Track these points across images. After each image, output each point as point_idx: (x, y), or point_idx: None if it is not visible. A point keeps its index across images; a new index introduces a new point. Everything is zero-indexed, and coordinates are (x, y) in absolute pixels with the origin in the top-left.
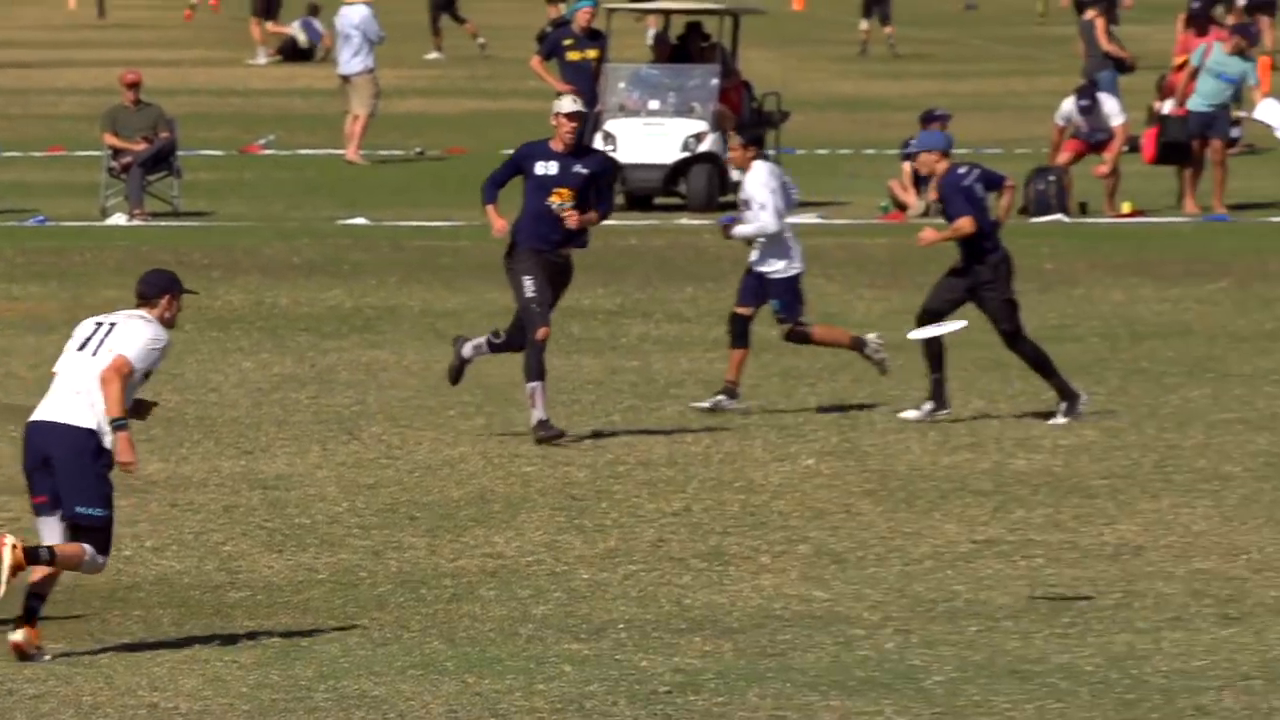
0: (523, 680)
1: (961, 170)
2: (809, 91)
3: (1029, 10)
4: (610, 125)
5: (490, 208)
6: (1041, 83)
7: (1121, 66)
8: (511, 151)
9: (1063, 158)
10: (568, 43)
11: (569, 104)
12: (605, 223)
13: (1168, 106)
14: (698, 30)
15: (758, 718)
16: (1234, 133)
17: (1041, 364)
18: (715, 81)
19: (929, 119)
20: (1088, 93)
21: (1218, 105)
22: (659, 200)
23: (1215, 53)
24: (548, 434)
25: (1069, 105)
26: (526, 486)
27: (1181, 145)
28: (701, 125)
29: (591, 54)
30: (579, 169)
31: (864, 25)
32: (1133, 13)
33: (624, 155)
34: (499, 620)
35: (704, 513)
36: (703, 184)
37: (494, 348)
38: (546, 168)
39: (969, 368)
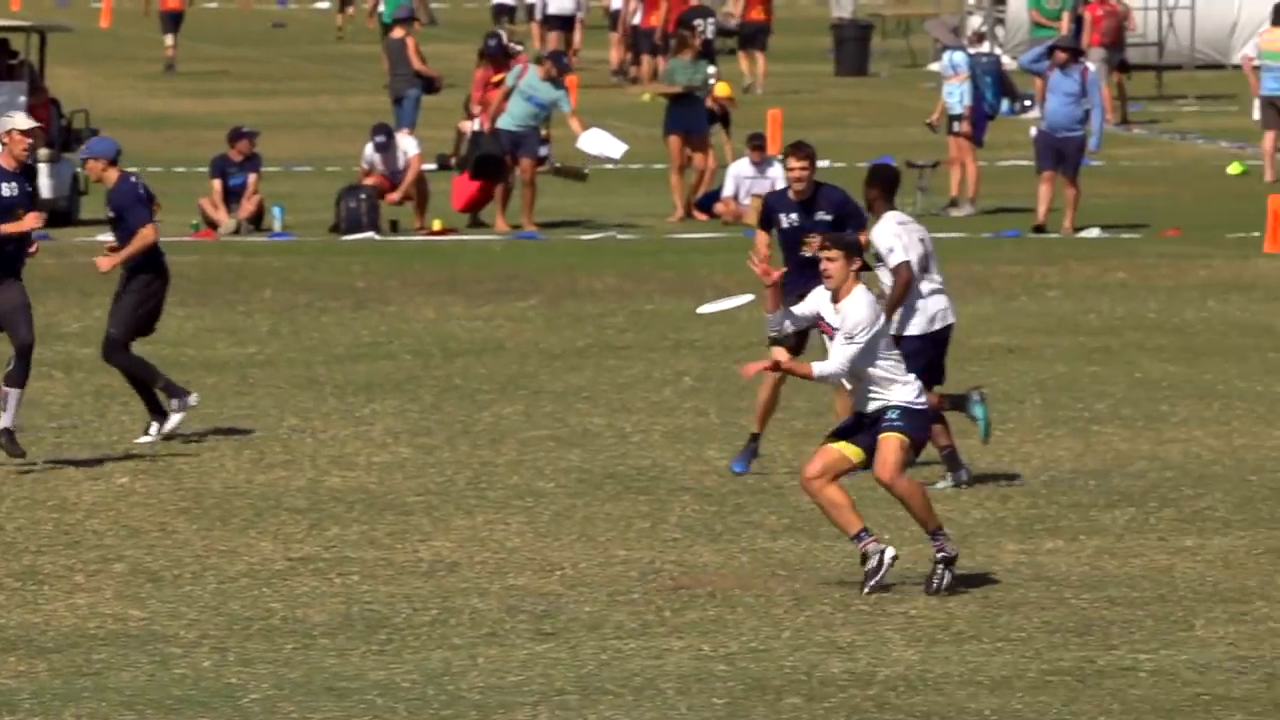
0: None
1: (134, 178)
2: (118, 109)
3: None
4: None
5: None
6: (351, 101)
7: (430, 86)
8: None
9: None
10: None
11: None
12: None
13: (475, 125)
14: (4, 47)
15: None
16: (543, 151)
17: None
18: (22, 99)
19: (236, 136)
20: (383, 131)
21: (528, 126)
22: None
23: (530, 75)
24: None
25: (369, 150)
26: None
27: (495, 159)
28: None
29: None
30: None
31: (169, 41)
32: (441, 30)
33: None
34: None
35: (17, 531)
36: None
37: None
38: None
39: (284, 385)
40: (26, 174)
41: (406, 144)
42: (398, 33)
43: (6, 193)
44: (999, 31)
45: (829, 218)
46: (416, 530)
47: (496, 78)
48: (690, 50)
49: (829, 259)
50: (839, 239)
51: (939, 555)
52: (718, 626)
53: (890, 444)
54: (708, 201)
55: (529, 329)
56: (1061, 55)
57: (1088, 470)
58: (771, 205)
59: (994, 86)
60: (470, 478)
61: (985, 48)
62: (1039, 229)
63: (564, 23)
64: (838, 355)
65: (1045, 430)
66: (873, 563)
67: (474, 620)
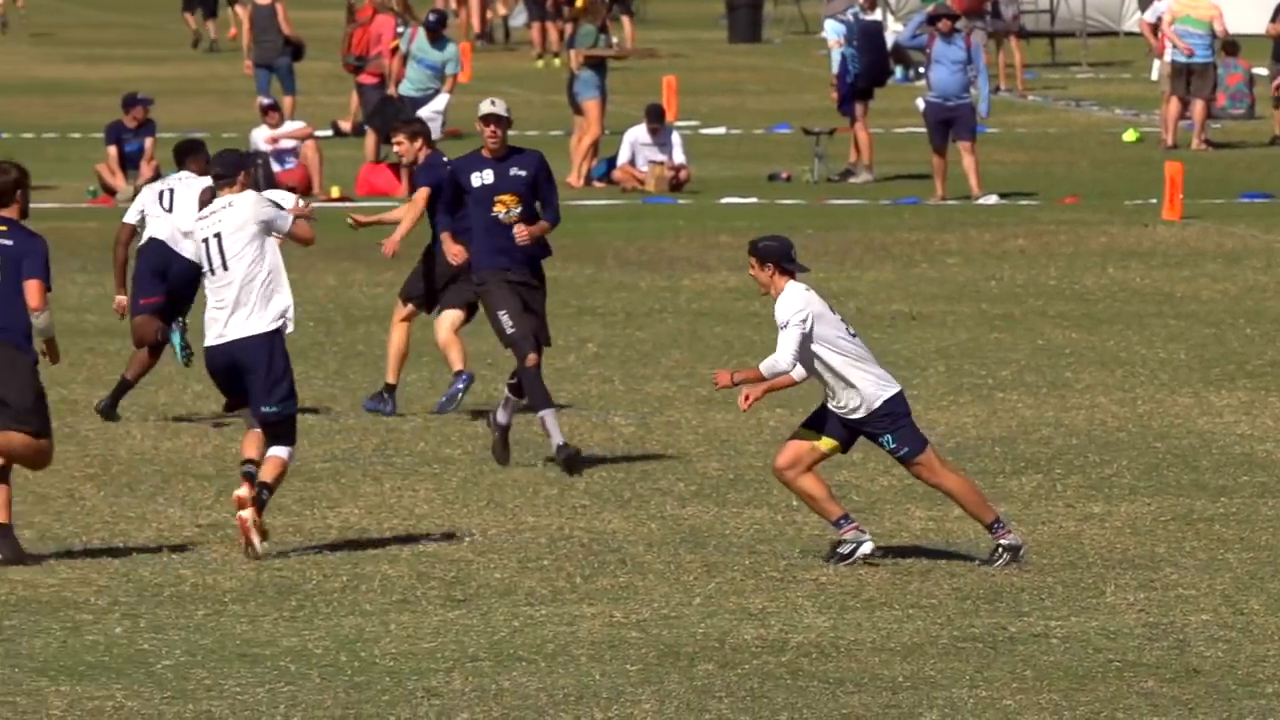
0: None
1: None
2: (7, 74)
3: None
4: None
5: (445, 235)
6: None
7: (298, 52)
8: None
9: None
10: None
11: (486, 106)
12: None
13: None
14: None
15: None
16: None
17: None
18: None
19: (131, 103)
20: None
21: (427, 90)
22: None
23: (419, 38)
24: (569, 455)
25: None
26: None
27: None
28: None
29: None
30: (516, 172)
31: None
32: None
33: None
34: None
35: None
36: None
37: (514, 390)
38: (483, 177)
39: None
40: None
41: (291, 125)
42: (264, 0)
43: (477, 183)
44: None
45: (523, 173)
46: (325, 497)
47: (392, 43)
48: (598, 16)
49: (751, 274)
50: (750, 249)
51: (1000, 544)
52: (629, 593)
53: (914, 470)
54: (603, 170)
55: None
56: (945, 24)
57: (993, 437)
58: (461, 167)
59: (860, 55)
60: (377, 444)
61: (876, 15)
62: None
63: None
64: (780, 346)
65: (949, 397)
66: (845, 549)
67: (385, 587)
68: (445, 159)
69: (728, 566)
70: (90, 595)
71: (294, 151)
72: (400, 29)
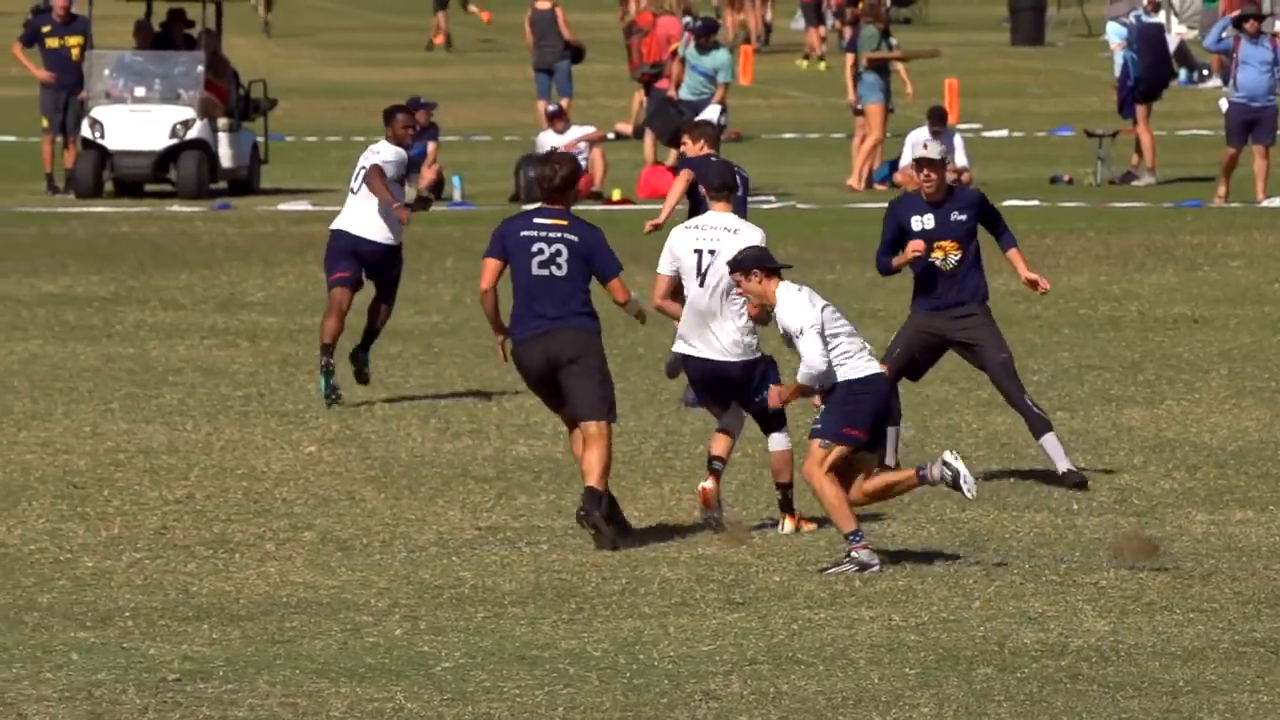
0: (30, 668)
1: None
2: (295, 79)
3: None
4: (97, 112)
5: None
6: (527, 70)
7: (578, 55)
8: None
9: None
10: (46, 29)
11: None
12: (99, 209)
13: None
14: (181, 16)
15: (268, 705)
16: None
17: None
18: (200, 69)
19: (414, 107)
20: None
21: (702, 96)
22: (149, 187)
23: (691, 45)
24: (1077, 480)
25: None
26: (26, 474)
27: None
28: (188, 112)
29: (72, 40)
30: (958, 216)
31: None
32: None
33: (112, 142)
34: (3, 609)
35: (207, 500)
36: (192, 170)
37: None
38: (923, 221)
39: (468, 354)
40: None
41: (577, 130)
42: (544, 4)
43: (917, 227)
44: (1173, 1)
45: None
46: None
47: (672, 45)
48: (880, 19)
49: (741, 292)
50: (731, 267)
51: (851, 554)
52: (908, 596)
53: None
54: (885, 172)
55: None
56: (1252, 25)
57: (1276, 440)
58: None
59: (1140, 58)
60: (657, 447)
61: (1160, 17)
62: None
63: None
64: (805, 354)
65: (1232, 400)
66: (848, 565)
67: (664, 589)
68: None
69: (1007, 570)
70: (370, 597)
71: (580, 155)
72: (687, 24)
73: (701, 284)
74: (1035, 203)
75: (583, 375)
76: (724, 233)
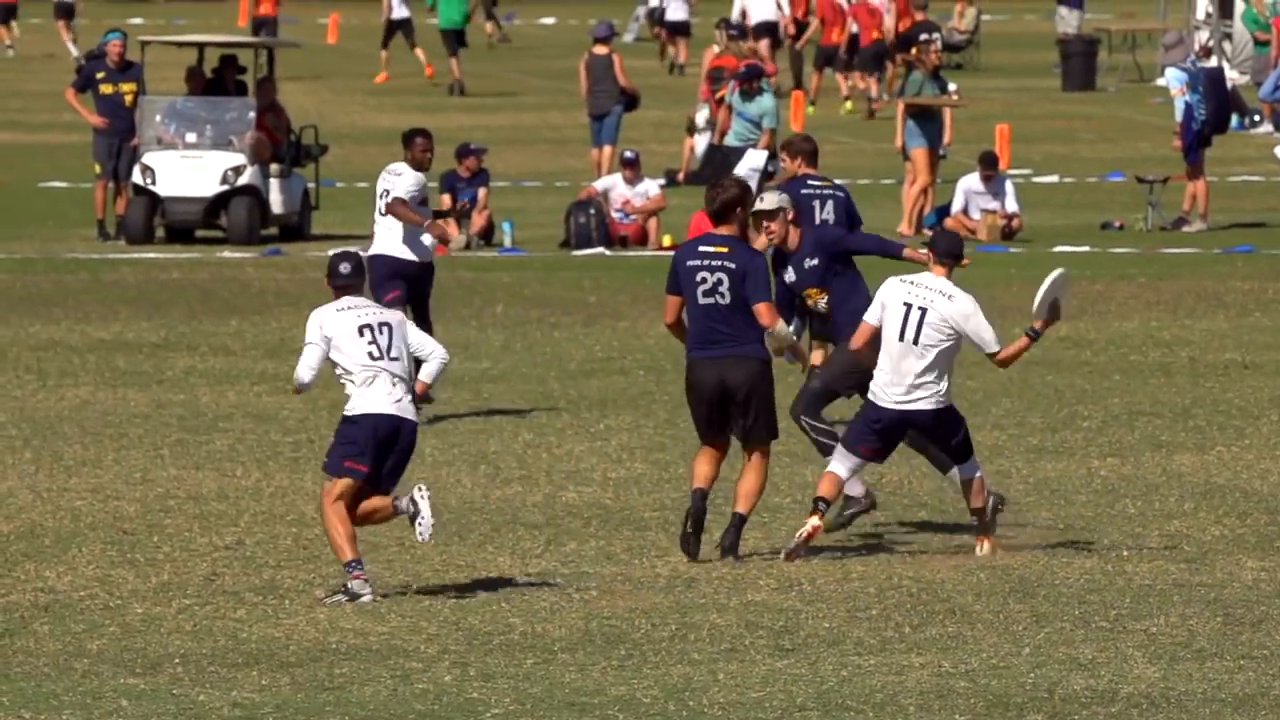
0: (80, 715)
1: None
2: (346, 124)
3: (563, 43)
4: (148, 158)
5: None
6: (579, 115)
7: (632, 103)
8: None
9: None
10: (100, 75)
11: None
12: (150, 255)
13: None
14: (232, 63)
15: None
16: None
17: None
18: (252, 114)
19: (464, 153)
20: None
21: (747, 142)
22: (200, 233)
23: (736, 92)
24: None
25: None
26: (76, 521)
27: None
28: (240, 158)
29: (125, 87)
30: (810, 263)
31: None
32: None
33: (163, 188)
34: (53, 655)
35: (256, 546)
36: (243, 216)
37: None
38: (787, 273)
39: (518, 400)
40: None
41: (648, 185)
42: (601, 49)
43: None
44: (1225, 46)
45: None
46: (653, 546)
47: (720, 93)
48: (926, 65)
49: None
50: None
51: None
52: (957, 643)
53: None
54: (937, 217)
55: None
56: None
57: None
58: None
59: (1202, 103)
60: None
61: (1212, 62)
62: None
63: (676, 28)
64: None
65: None
66: (340, 595)
67: (713, 636)
68: None
69: (1057, 616)
70: (420, 643)
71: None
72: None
73: (901, 338)
74: (1086, 249)
75: (753, 404)
76: (938, 295)
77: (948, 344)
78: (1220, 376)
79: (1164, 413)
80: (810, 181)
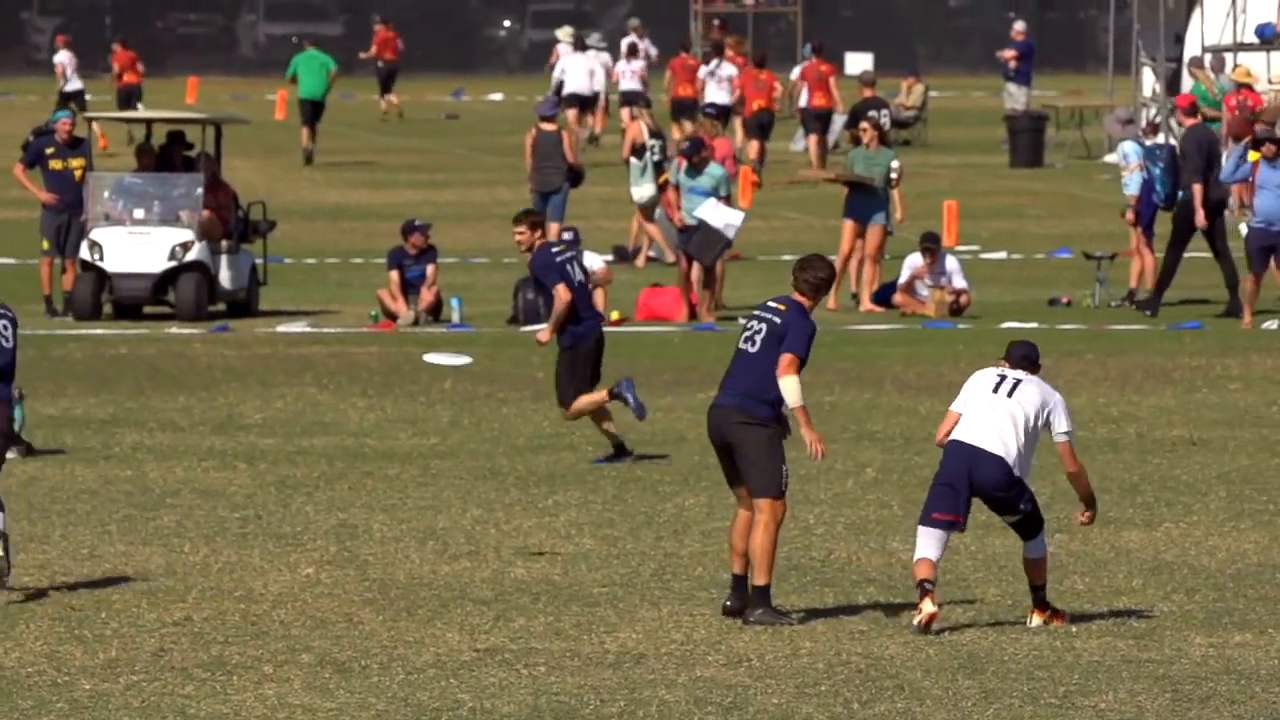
0: None
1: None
2: (294, 200)
3: (511, 119)
4: (96, 234)
5: None
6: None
7: (577, 179)
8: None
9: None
10: (49, 151)
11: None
12: (98, 331)
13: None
14: (180, 139)
15: None
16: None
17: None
18: (200, 190)
19: (409, 230)
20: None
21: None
22: (148, 309)
23: (683, 170)
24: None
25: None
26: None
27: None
28: (188, 234)
29: (75, 162)
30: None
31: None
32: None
33: (111, 264)
34: None
35: (205, 622)
36: (191, 293)
37: None
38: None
39: (466, 476)
40: None
41: (591, 259)
42: (549, 126)
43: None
44: (1172, 122)
45: None
46: (602, 622)
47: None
48: (871, 140)
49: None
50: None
51: None
52: (907, 719)
53: None
54: (884, 293)
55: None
56: (1269, 149)
57: (1274, 564)
58: None
59: (1164, 177)
60: (655, 569)
61: (1160, 138)
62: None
63: (584, 102)
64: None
65: (1230, 523)
66: None
67: (661, 712)
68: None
69: (1006, 692)
70: None
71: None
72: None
73: (996, 390)
74: (1034, 325)
75: (751, 454)
76: (1026, 376)
77: None
78: (1167, 453)
79: (1111, 489)
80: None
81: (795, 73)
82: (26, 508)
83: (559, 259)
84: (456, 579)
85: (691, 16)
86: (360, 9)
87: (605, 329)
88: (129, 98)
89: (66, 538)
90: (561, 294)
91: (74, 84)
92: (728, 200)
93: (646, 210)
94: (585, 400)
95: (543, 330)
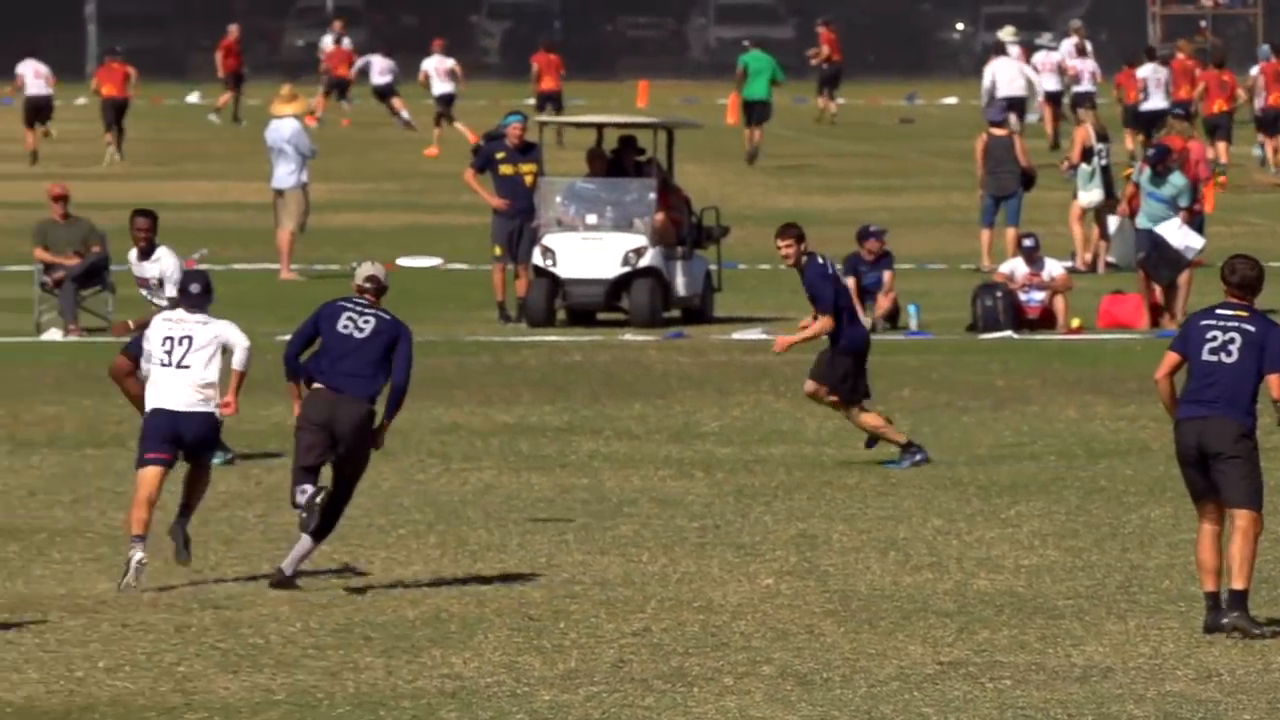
0: None
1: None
2: (747, 205)
3: (965, 123)
4: (549, 240)
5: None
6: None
7: (1030, 181)
8: None
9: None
10: (500, 156)
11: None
12: (551, 338)
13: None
14: (632, 144)
15: None
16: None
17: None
18: (653, 195)
19: (864, 235)
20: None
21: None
22: (602, 315)
23: (1146, 171)
24: None
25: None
26: (482, 606)
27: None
28: (641, 240)
29: (525, 168)
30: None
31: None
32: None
33: (564, 270)
34: None
35: (664, 633)
36: (645, 298)
37: None
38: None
39: (926, 486)
40: None
41: (1051, 266)
42: (1000, 131)
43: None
44: None
45: None
46: (1068, 634)
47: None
48: None
49: None
50: None
51: None
52: None
53: None
54: None
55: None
56: None
57: None
58: None
59: None
60: (1121, 581)
61: None
62: None
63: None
64: None
65: None
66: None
67: None
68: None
69: None
70: None
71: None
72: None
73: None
74: None
75: (1234, 467)
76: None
77: None
78: None
79: None
80: None
81: (1254, 70)
82: (484, 516)
83: (831, 271)
84: (919, 590)
85: (1149, 19)
86: (810, 12)
87: (1067, 337)
88: (545, 103)
89: (524, 546)
90: (826, 323)
91: (442, 87)
92: (1189, 212)
93: (1096, 214)
94: (874, 420)
95: (784, 338)
